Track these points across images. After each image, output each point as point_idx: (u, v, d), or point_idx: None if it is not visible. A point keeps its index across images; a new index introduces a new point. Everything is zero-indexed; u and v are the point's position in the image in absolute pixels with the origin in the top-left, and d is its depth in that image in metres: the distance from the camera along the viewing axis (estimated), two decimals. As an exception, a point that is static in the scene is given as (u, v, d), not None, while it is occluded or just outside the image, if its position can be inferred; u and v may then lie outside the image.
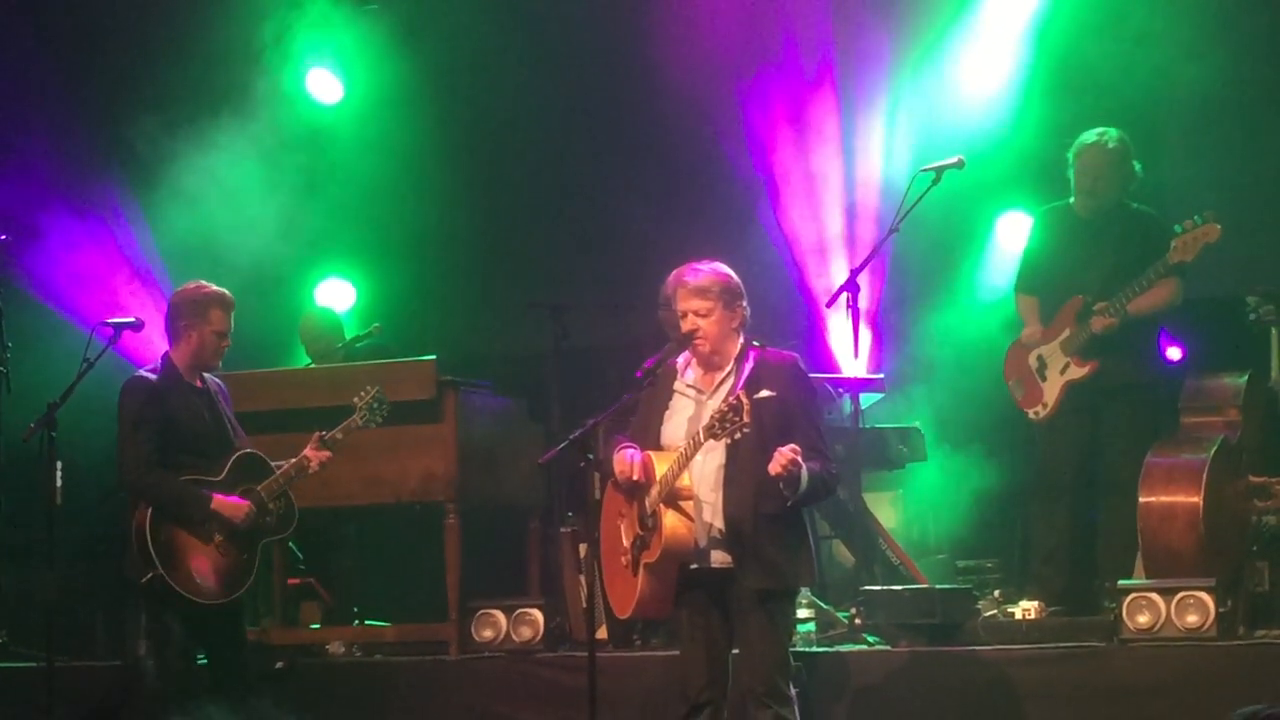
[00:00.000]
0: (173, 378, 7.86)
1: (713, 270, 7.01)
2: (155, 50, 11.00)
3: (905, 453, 9.59)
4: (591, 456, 7.25)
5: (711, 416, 6.60)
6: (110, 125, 11.05)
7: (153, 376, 7.85)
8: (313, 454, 7.97)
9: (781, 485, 6.65)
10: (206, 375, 8.00)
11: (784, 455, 6.59)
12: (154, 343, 9.43)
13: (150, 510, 7.71)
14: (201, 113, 10.78)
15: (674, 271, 7.09)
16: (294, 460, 7.96)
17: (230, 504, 7.80)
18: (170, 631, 7.75)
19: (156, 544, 7.68)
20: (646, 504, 6.84)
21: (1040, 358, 9.08)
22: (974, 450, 9.87)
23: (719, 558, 6.83)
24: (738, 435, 6.54)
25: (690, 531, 6.78)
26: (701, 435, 6.66)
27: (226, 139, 10.80)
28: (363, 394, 8.11)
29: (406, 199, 11.20)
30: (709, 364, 6.99)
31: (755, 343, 7.01)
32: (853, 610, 8.57)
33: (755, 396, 6.53)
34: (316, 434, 8.01)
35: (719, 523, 6.81)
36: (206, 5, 10.98)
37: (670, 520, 6.76)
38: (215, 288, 7.96)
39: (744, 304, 7.01)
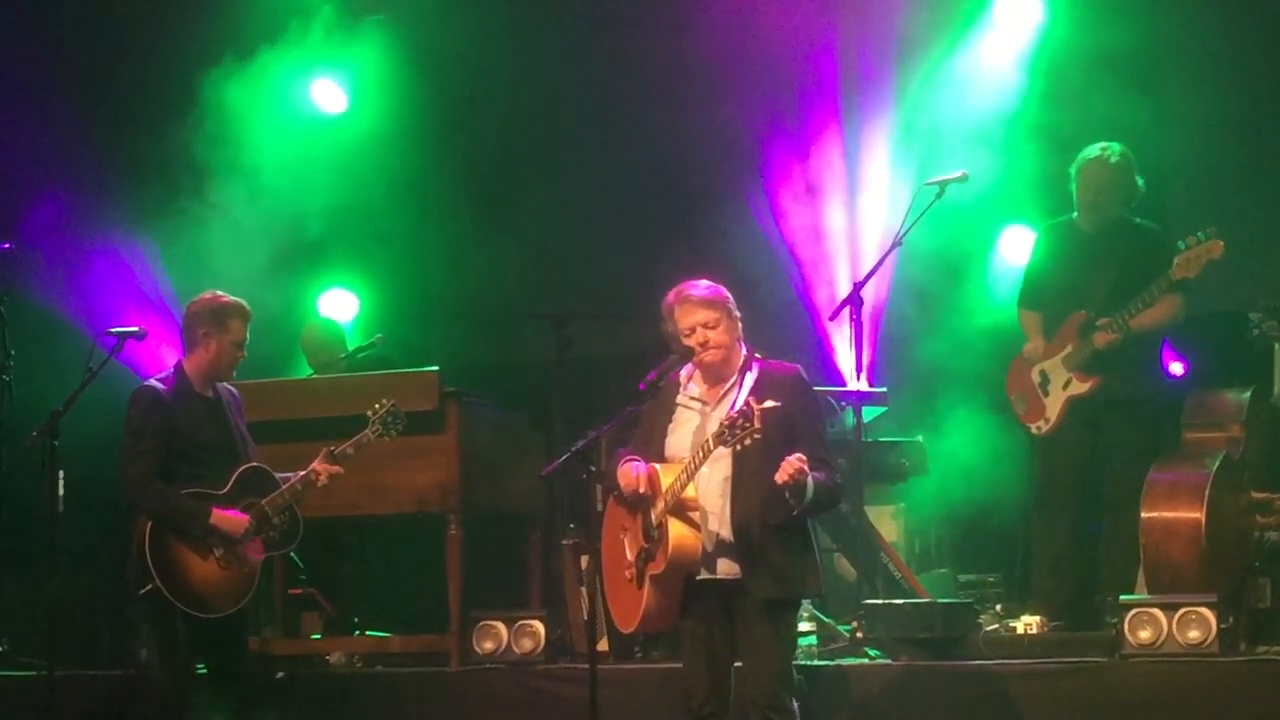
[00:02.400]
0: (183, 388, 7.84)
1: (710, 284, 7.05)
2: (161, 58, 11.01)
3: (907, 466, 9.59)
4: (594, 468, 7.26)
5: (721, 423, 6.61)
6: (115, 135, 11.06)
7: (162, 386, 7.83)
8: (321, 468, 7.94)
9: (788, 494, 6.67)
10: (219, 385, 7.99)
11: (791, 464, 6.60)
12: (156, 351, 9.47)
13: (150, 522, 7.71)
14: (207, 122, 10.79)
15: (673, 289, 7.08)
16: (301, 474, 7.94)
17: (229, 519, 7.78)
18: (171, 641, 7.74)
19: (155, 556, 7.67)
20: (652, 516, 6.84)
21: (1043, 373, 9.10)
22: (976, 464, 9.87)
23: (726, 568, 6.84)
24: (748, 442, 6.54)
25: (697, 542, 6.78)
26: (712, 443, 6.67)
27: (231, 147, 10.82)
28: (377, 407, 8.07)
29: (410, 209, 11.20)
30: (714, 376, 7.00)
31: (757, 354, 7.03)
32: (854, 623, 8.57)
33: (762, 406, 6.53)
34: (326, 449, 7.99)
35: (726, 533, 6.82)
36: (214, 16, 10.99)
37: (677, 531, 6.76)
38: (233, 298, 7.93)
39: (739, 315, 7.04)
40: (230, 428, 7.95)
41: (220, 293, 7.98)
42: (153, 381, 7.88)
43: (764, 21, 10.60)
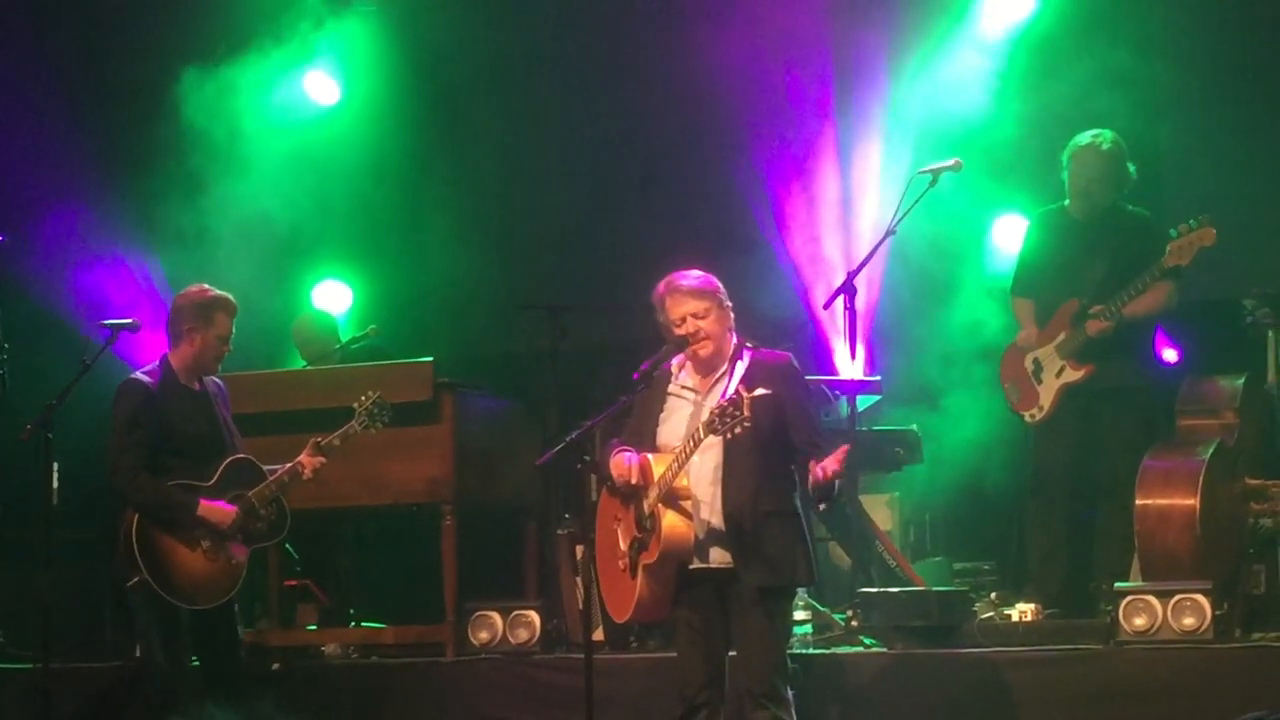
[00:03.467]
0: (169, 380, 7.85)
1: (701, 274, 7.06)
2: (154, 52, 10.98)
3: (902, 455, 9.58)
4: (588, 458, 7.26)
5: (711, 411, 6.62)
6: (109, 128, 11.05)
7: (148, 379, 7.84)
8: (307, 460, 7.95)
9: (816, 492, 6.74)
10: (205, 377, 7.98)
11: (828, 470, 6.67)
12: (151, 343, 9.46)
13: (137, 514, 7.71)
14: (199, 115, 10.77)
15: (663, 279, 7.08)
16: (288, 466, 7.95)
17: (218, 510, 7.78)
18: (161, 633, 7.74)
19: (142, 548, 7.68)
20: (645, 506, 6.85)
21: (1036, 360, 9.10)
22: (970, 453, 9.87)
23: (718, 556, 6.85)
24: (738, 430, 6.55)
25: (690, 530, 6.80)
26: (702, 431, 6.68)
27: (224, 141, 10.80)
28: (363, 399, 8.09)
29: (404, 200, 11.20)
30: (705, 365, 7.00)
31: (748, 343, 7.03)
32: (849, 612, 8.58)
33: (752, 394, 6.54)
34: (313, 440, 8.00)
35: (717, 521, 6.83)
36: (207, 10, 10.98)
37: (669, 520, 6.77)
38: (219, 292, 7.94)
39: (730, 304, 7.04)
40: (217, 420, 7.95)
41: (207, 286, 7.99)
42: (139, 374, 7.88)
43: (758, 12, 10.60)
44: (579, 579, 8.68)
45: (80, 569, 9.64)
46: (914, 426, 9.71)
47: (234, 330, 7.93)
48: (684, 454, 6.76)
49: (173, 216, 10.76)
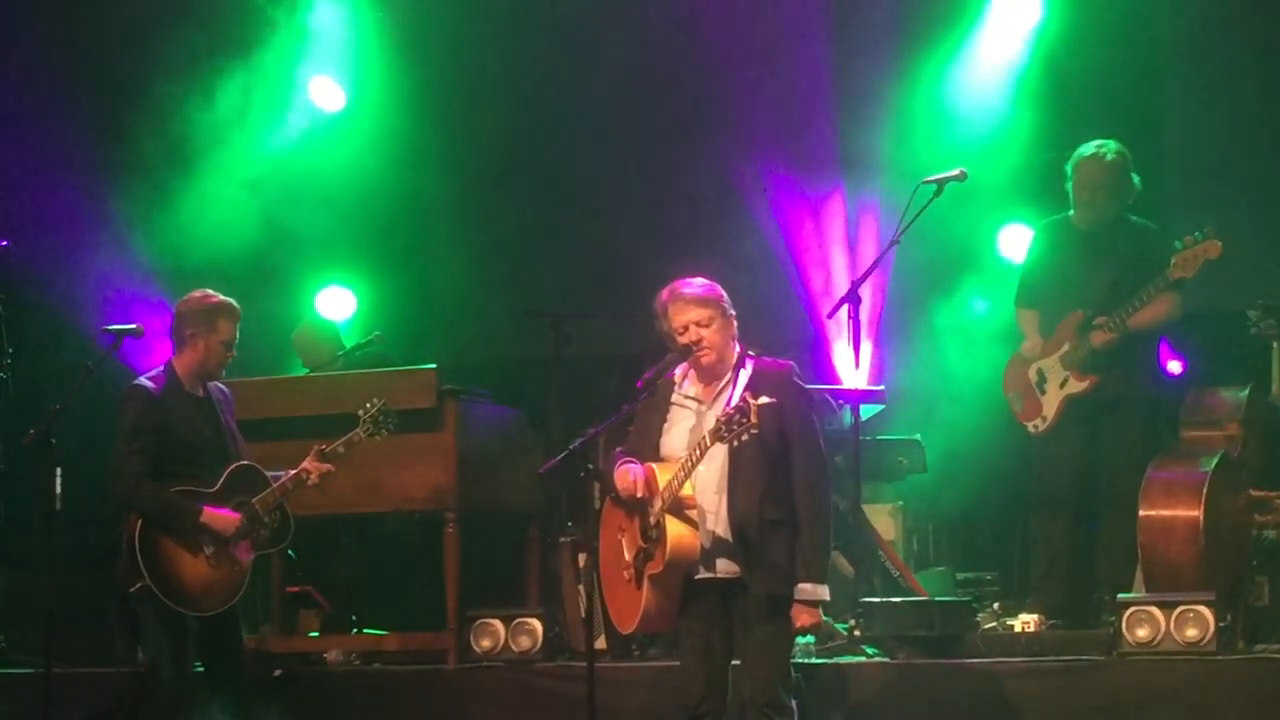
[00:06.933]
0: (173, 386, 7.83)
1: (705, 282, 7.04)
2: (156, 56, 11.00)
3: (905, 464, 9.60)
4: (591, 467, 7.25)
5: (718, 420, 6.61)
6: (114, 132, 11.05)
7: (152, 385, 7.82)
8: (312, 467, 7.94)
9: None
10: (210, 383, 7.98)
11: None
12: (155, 348, 9.47)
13: (141, 520, 7.70)
14: (204, 120, 10.79)
15: (666, 287, 7.07)
16: (292, 473, 7.93)
17: (221, 517, 7.77)
18: (168, 639, 7.73)
19: (146, 554, 7.67)
20: (650, 516, 6.83)
21: (1040, 371, 9.09)
22: (973, 463, 9.86)
23: (725, 566, 6.83)
24: (745, 438, 6.54)
25: (695, 540, 6.78)
26: (708, 440, 6.66)
27: (229, 147, 10.81)
28: (368, 406, 8.07)
29: (408, 206, 11.20)
30: (709, 374, 6.99)
31: (750, 352, 7.02)
32: (852, 622, 8.57)
33: (758, 402, 6.53)
34: (316, 447, 7.98)
35: (723, 530, 6.81)
36: (207, 12, 10.99)
37: (675, 529, 6.75)
38: (222, 297, 7.92)
39: (733, 313, 7.03)
40: (221, 426, 7.94)
41: (210, 291, 7.97)
42: (143, 380, 7.86)
43: (764, 18, 10.61)
44: (581, 587, 8.68)
45: (83, 573, 9.63)
46: (917, 436, 9.73)
47: (238, 336, 7.92)
48: (690, 463, 6.75)
49: (178, 221, 10.77)
